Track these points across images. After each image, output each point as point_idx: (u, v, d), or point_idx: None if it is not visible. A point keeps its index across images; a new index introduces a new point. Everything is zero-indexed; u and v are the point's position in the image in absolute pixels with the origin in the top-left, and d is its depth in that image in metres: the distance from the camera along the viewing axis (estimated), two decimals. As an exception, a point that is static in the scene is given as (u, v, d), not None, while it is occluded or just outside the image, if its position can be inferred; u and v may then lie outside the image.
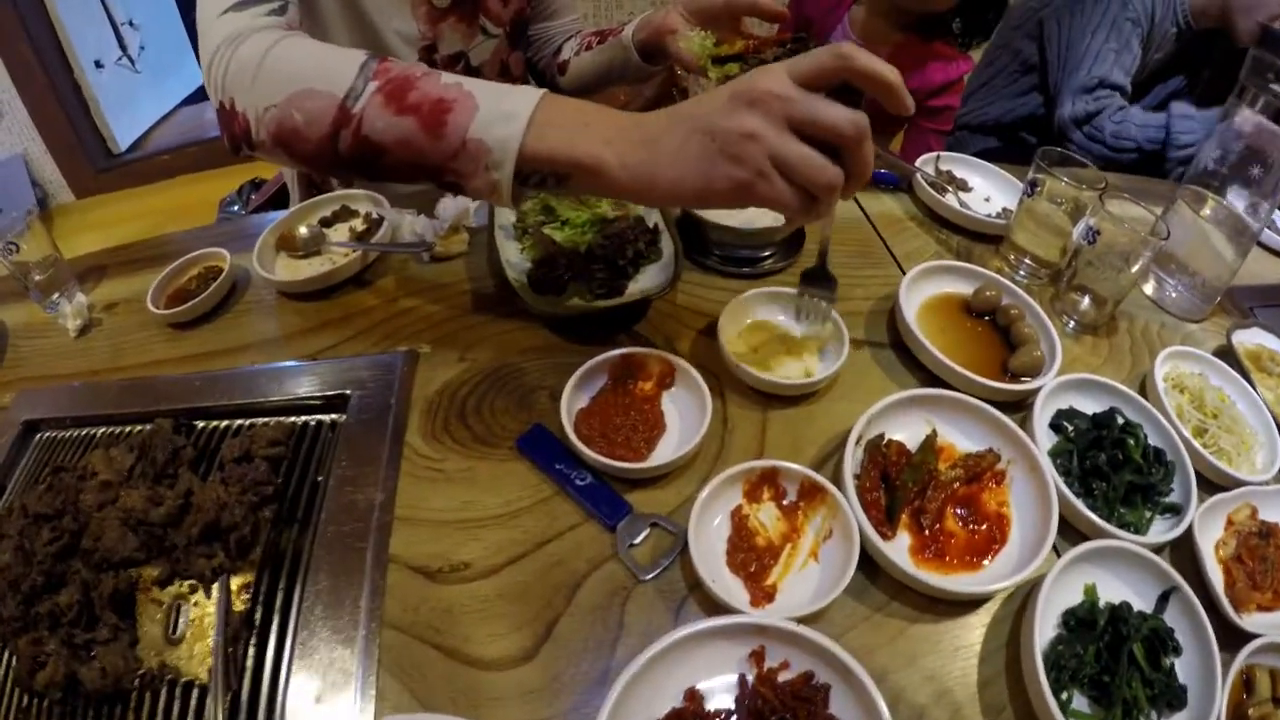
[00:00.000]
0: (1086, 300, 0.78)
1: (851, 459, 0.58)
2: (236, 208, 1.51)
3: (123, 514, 0.58)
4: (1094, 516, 0.59)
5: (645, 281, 0.69)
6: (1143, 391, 0.71)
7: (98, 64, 2.54)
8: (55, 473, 0.63)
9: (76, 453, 0.69)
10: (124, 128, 2.68)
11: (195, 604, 0.56)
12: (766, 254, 0.75)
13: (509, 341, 0.69)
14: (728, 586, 0.52)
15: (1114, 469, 0.64)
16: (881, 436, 0.61)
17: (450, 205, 0.79)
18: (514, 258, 0.74)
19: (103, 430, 0.70)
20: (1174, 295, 0.84)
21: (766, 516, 0.57)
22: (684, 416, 0.61)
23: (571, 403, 0.60)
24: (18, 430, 0.72)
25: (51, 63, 2.36)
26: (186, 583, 0.56)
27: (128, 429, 0.70)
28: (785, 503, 0.58)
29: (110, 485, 0.61)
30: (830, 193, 0.45)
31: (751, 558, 0.55)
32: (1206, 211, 0.82)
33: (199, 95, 2.79)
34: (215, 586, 0.56)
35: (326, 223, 0.89)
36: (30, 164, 2.52)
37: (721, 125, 0.45)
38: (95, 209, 2.63)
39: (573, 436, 0.57)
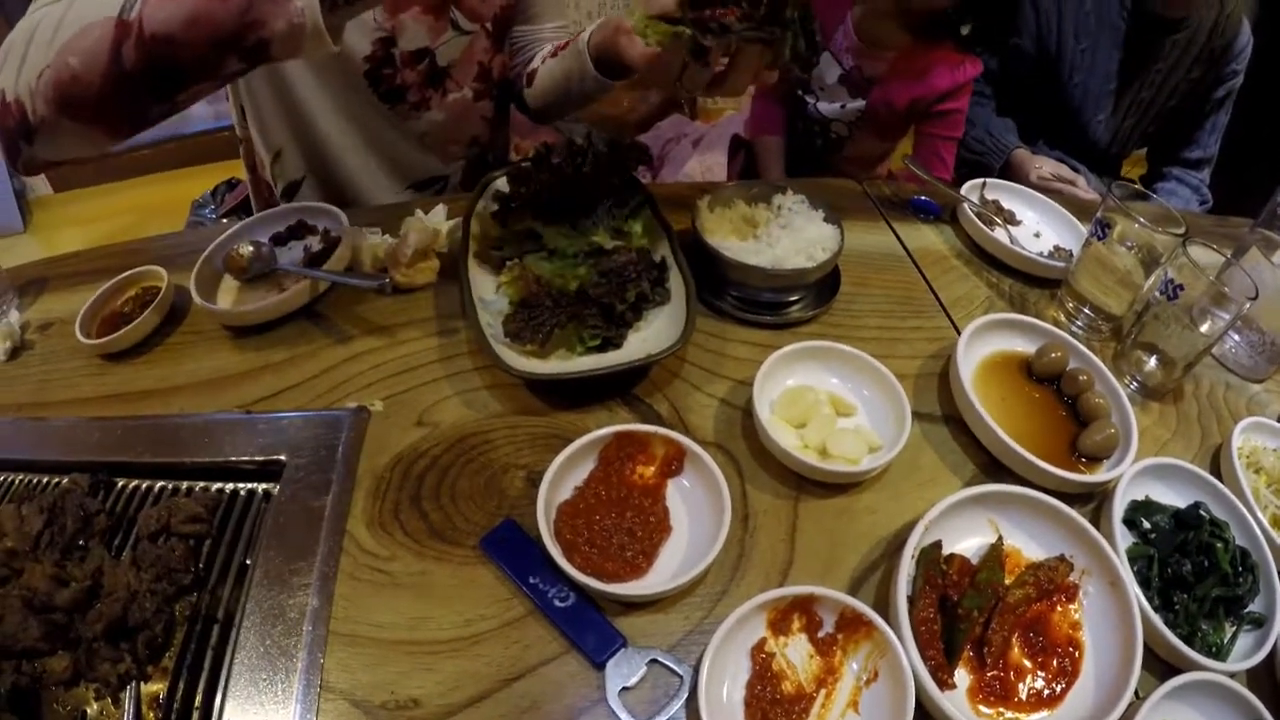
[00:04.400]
0: (1153, 361, 0.67)
1: (905, 581, 0.46)
2: (209, 210, 1.34)
3: (26, 593, 0.52)
4: (1181, 645, 0.49)
5: (650, 333, 0.57)
6: (1215, 469, 0.61)
7: None
8: None
9: None
10: None
11: (103, 713, 0.49)
12: (794, 299, 0.62)
13: (477, 402, 0.57)
14: (747, 750, 0.40)
15: (1198, 578, 0.54)
16: (938, 546, 0.50)
17: (414, 231, 0.65)
18: (488, 295, 0.60)
19: (20, 478, 0.63)
20: (1235, 352, 0.73)
21: (796, 653, 0.45)
22: (694, 514, 0.49)
23: (551, 496, 0.47)
24: None
25: None
26: (93, 686, 0.50)
27: (45, 480, 0.62)
28: (820, 635, 0.46)
29: (15, 555, 0.55)
30: None
31: (777, 710, 0.43)
32: (1278, 259, 0.72)
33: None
34: (124, 696, 0.49)
35: (280, 239, 0.77)
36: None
37: None
38: (75, 203, 2.55)
39: (552, 546, 0.45)
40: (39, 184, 2.53)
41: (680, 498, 0.50)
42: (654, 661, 0.44)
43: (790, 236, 0.61)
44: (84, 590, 0.52)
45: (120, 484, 0.61)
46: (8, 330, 0.75)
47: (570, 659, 0.44)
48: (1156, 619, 0.50)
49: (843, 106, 1.14)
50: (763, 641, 0.45)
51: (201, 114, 2.48)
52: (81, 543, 0.56)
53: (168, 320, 0.72)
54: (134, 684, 0.49)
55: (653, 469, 0.50)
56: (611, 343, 0.56)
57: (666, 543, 0.48)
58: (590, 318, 0.55)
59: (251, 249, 0.77)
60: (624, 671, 0.43)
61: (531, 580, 0.46)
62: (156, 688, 0.49)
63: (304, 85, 0.80)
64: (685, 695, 0.43)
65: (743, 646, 0.45)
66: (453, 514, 0.51)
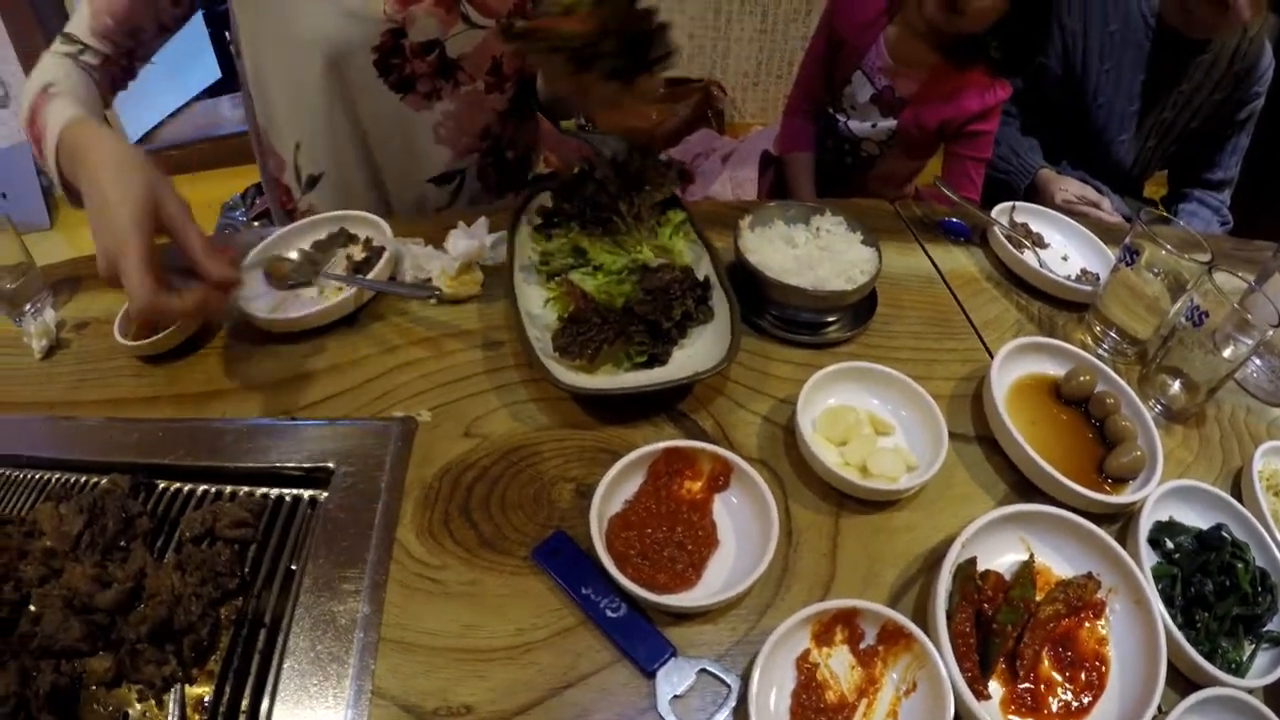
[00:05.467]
0: (1177, 385, 0.69)
1: (944, 595, 0.48)
2: (239, 213, 1.35)
3: (66, 593, 0.52)
4: (1203, 661, 0.50)
5: (694, 350, 0.58)
6: (1236, 492, 0.63)
7: None
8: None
9: (26, 499, 0.62)
10: (134, 119, 2.56)
11: (145, 714, 0.49)
12: (832, 320, 0.64)
13: (525, 414, 0.58)
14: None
15: (1219, 597, 0.56)
16: (973, 562, 0.52)
17: (462, 240, 0.67)
18: (536, 309, 0.62)
19: (57, 477, 0.63)
20: (1256, 376, 0.75)
21: (839, 664, 0.47)
22: (740, 528, 0.51)
23: (603, 509, 0.49)
24: None
25: None
26: (135, 688, 0.49)
27: (83, 479, 0.62)
28: (862, 647, 0.47)
29: (54, 554, 0.55)
30: None
31: (821, 718, 0.45)
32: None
33: (217, 89, 2.66)
34: (168, 698, 0.49)
35: (321, 247, 0.78)
36: None
37: None
38: None
39: (606, 558, 0.46)
40: None
41: (727, 512, 0.51)
42: (703, 671, 0.45)
43: (830, 259, 0.62)
44: (126, 592, 0.52)
45: (161, 486, 0.61)
46: (44, 328, 0.75)
47: (621, 668, 0.46)
48: (1180, 636, 0.51)
49: (874, 126, 1.16)
50: (807, 652, 0.47)
51: (231, 117, 2.49)
52: (123, 544, 0.56)
53: (207, 324, 0.72)
54: (179, 686, 0.49)
55: (700, 484, 0.52)
56: (657, 359, 0.58)
57: (714, 556, 0.49)
58: (637, 334, 0.57)
59: (297, 257, 0.79)
60: (674, 680, 0.45)
61: (584, 591, 0.48)
62: (201, 690, 0.49)
63: (313, 78, 0.80)
64: (733, 703, 0.45)
65: (789, 657, 0.46)
66: (503, 525, 0.52)
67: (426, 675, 0.46)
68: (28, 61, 2.22)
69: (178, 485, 0.60)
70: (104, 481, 0.60)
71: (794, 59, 2.38)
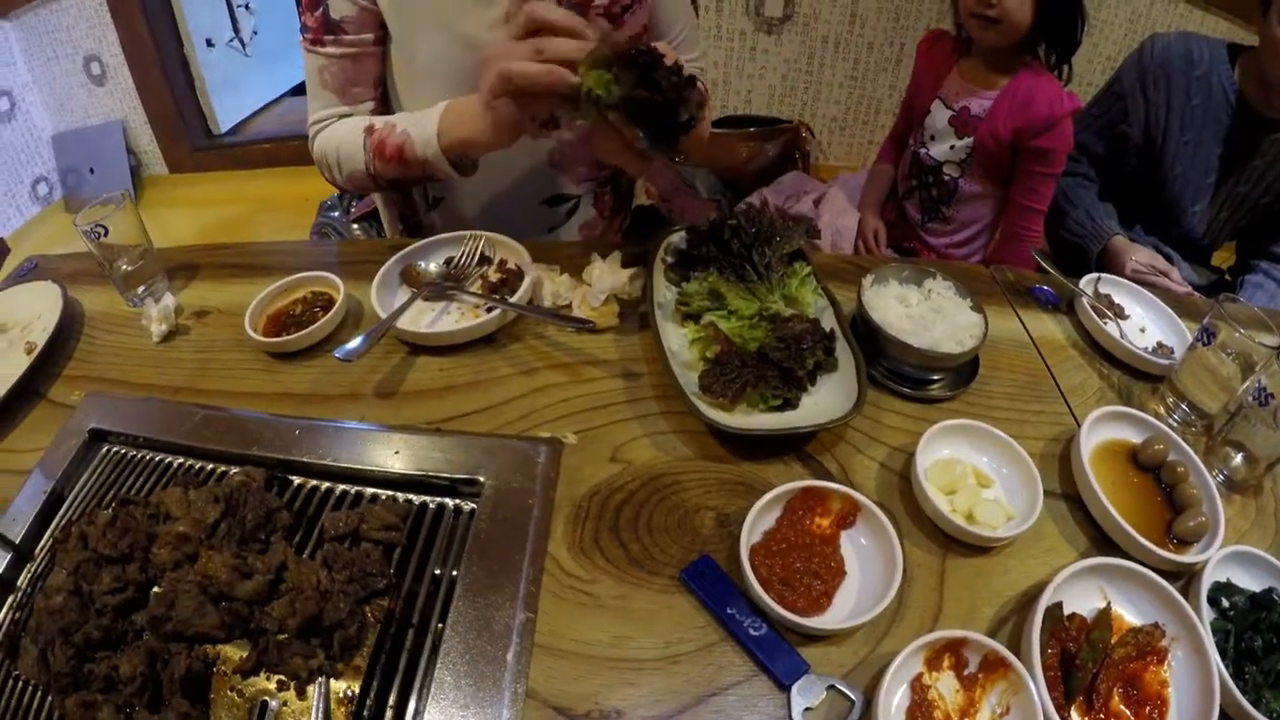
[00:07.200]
0: (1240, 457, 0.75)
1: (1039, 633, 0.56)
2: (337, 214, 1.43)
3: (202, 580, 0.53)
4: (1250, 708, 0.57)
5: (820, 397, 0.65)
6: (1286, 558, 0.69)
7: (209, 43, 2.53)
8: (123, 505, 0.58)
9: (148, 481, 0.65)
10: (227, 109, 2.66)
11: (285, 704, 0.50)
12: (936, 378, 0.71)
13: (666, 445, 0.65)
14: (911, 769, 0.49)
15: (1267, 653, 0.63)
16: (1060, 606, 0.59)
17: (606, 276, 0.74)
18: (673, 346, 0.69)
19: (179, 462, 0.66)
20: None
21: (945, 687, 0.54)
22: (864, 562, 0.58)
23: (748, 538, 0.57)
24: (84, 438, 0.68)
25: (163, 36, 2.36)
26: (275, 677, 0.51)
27: (209, 467, 0.64)
28: (965, 673, 0.55)
29: (188, 539, 0.56)
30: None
31: (931, 735, 0.52)
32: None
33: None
34: (311, 689, 0.50)
35: (455, 263, 0.84)
36: (129, 132, 2.54)
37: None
38: (186, 185, 2.64)
39: (754, 582, 0.54)
40: (154, 162, 2.60)
41: (851, 547, 0.59)
42: (831, 687, 0.53)
43: (943, 321, 0.69)
44: (266, 583, 0.53)
45: (296, 482, 0.63)
46: (164, 313, 0.78)
47: (759, 681, 0.52)
48: (1232, 685, 0.58)
49: (951, 147, 1.23)
50: (920, 675, 0.54)
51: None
52: (261, 537, 0.57)
53: (336, 329, 0.76)
54: (324, 679, 0.50)
55: (829, 520, 0.60)
56: (789, 403, 0.65)
57: (842, 585, 0.57)
58: (772, 379, 0.64)
59: (435, 269, 0.84)
60: (807, 694, 0.52)
61: (729, 610, 0.54)
62: (344, 684, 0.51)
63: (435, 102, 0.86)
64: (856, 717, 0.52)
65: (905, 678, 0.54)
66: (650, 546, 0.58)
67: (579, 680, 0.51)
68: (126, 43, 2.30)
69: (314, 483, 0.63)
70: (235, 472, 0.61)
71: (881, 106, 2.42)
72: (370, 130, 0.83)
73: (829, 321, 0.70)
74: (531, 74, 0.63)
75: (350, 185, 0.91)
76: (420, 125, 0.78)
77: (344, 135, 0.86)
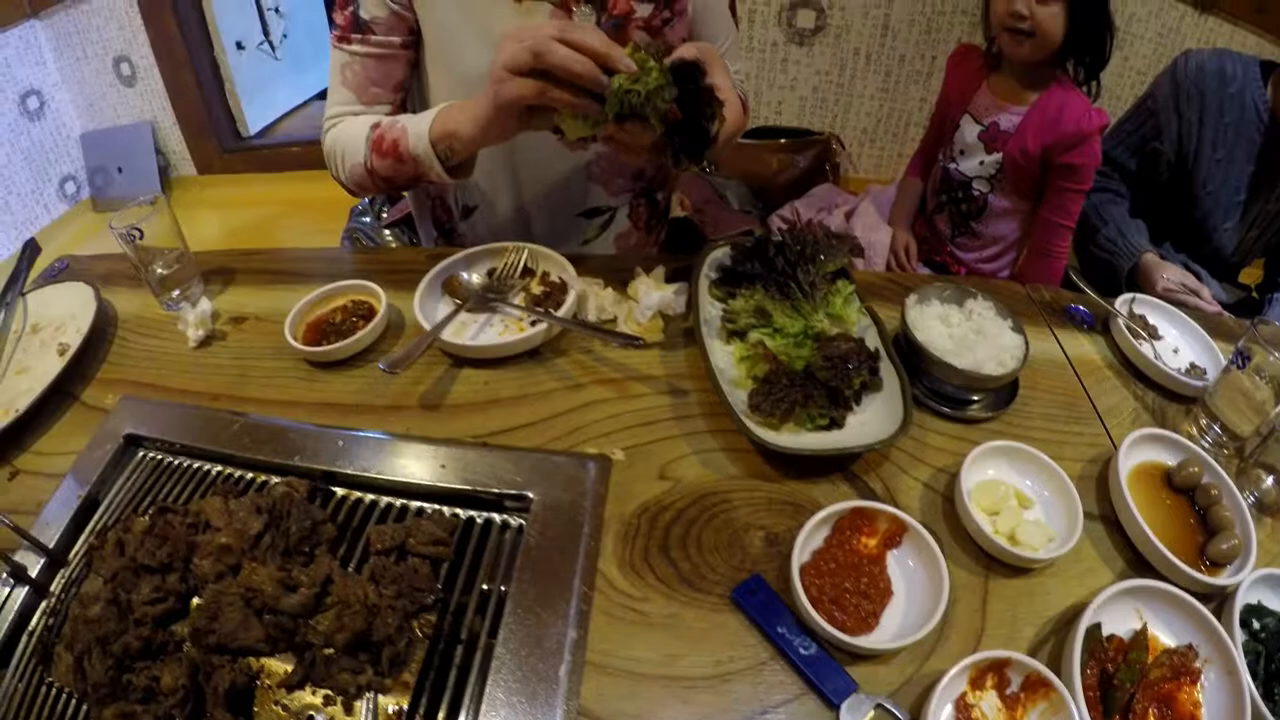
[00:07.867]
0: (1271, 480, 0.77)
1: (1079, 654, 0.57)
2: (368, 219, 1.45)
3: (246, 592, 0.52)
4: None
5: (866, 416, 0.67)
6: (1313, 581, 0.71)
7: (239, 45, 2.55)
8: (161, 513, 0.58)
9: (185, 489, 0.64)
10: (256, 112, 2.68)
11: (332, 719, 0.50)
12: (976, 399, 0.72)
13: (714, 463, 0.66)
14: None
15: (1295, 674, 0.65)
16: (1099, 627, 0.61)
17: (653, 292, 0.75)
18: (722, 363, 0.70)
19: (218, 470, 0.65)
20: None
21: (988, 706, 0.56)
22: (910, 582, 0.60)
23: (799, 558, 0.58)
24: (119, 443, 0.67)
25: (193, 37, 2.37)
26: (321, 692, 0.51)
27: (248, 476, 0.64)
28: (1007, 693, 0.57)
29: (230, 550, 0.55)
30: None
31: (975, 751, 0.54)
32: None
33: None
34: (359, 705, 0.50)
35: (496, 275, 0.84)
36: (157, 133, 2.56)
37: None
38: (215, 187, 2.65)
39: (804, 602, 0.55)
40: (182, 163, 2.62)
41: (898, 567, 0.60)
42: (879, 706, 0.54)
43: (985, 342, 0.71)
44: (312, 597, 0.52)
45: (340, 494, 0.62)
46: (201, 318, 0.78)
47: (808, 699, 0.53)
48: (1263, 706, 0.60)
49: (981, 163, 1.24)
50: (964, 694, 0.56)
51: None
52: (306, 549, 0.57)
53: (378, 339, 0.76)
54: (372, 695, 0.49)
55: (875, 540, 0.61)
56: (836, 423, 0.66)
57: (889, 605, 0.58)
58: (819, 398, 0.66)
59: (477, 281, 0.85)
60: (855, 713, 0.53)
61: (779, 630, 0.56)
62: (392, 700, 0.50)
63: None
64: (903, 735, 0.54)
65: (949, 697, 0.55)
66: (699, 564, 0.59)
67: (631, 698, 0.51)
68: (157, 44, 2.30)
69: (358, 495, 0.62)
70: (277, 483, 0.61)
71: (911, 119, 2.41)
72: (376, 126, 0.82)
73: (873, 340, 0.71)
74: (563, 57, 0.59)
75: (351, 182, 0.89)
76: (418, 120, 0.77)
77: (352, 131, 0.86)
